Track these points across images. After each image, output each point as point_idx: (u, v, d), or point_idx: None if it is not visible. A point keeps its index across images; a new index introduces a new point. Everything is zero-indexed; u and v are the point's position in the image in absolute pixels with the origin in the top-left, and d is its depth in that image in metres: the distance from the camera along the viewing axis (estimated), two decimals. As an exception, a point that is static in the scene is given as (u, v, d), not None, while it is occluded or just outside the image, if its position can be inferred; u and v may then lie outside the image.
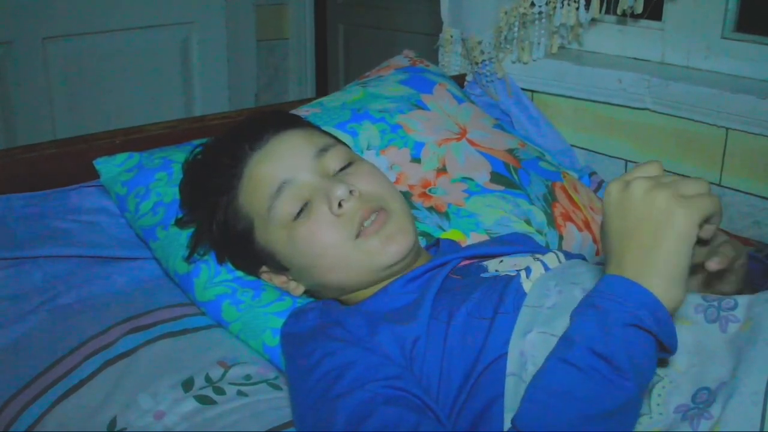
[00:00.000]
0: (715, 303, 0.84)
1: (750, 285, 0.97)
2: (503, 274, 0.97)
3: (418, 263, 1.02)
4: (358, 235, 0.96)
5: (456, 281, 0.98)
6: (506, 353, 0.83)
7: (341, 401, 0.81)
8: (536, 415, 0.71)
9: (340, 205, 0.95)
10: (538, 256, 0.99)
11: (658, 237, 0.71)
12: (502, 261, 1.02)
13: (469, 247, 1.18)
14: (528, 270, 0.93)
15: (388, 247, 0.96)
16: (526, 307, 0.87)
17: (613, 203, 0.75)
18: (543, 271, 0.93)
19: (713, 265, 0.82)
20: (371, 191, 0.99)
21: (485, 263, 1.02)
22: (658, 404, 0.78)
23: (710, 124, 1.55)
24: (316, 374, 0.85)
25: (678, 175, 1.62)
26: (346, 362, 0.85)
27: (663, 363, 0.79)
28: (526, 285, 0.90)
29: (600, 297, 0.73)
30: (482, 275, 0.99)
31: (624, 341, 0.70)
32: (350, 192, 0.96)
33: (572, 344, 0.72)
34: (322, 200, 0.96)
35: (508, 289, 0.90)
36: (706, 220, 0.74)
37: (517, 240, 1.19)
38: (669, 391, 0.78)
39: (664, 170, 0.78)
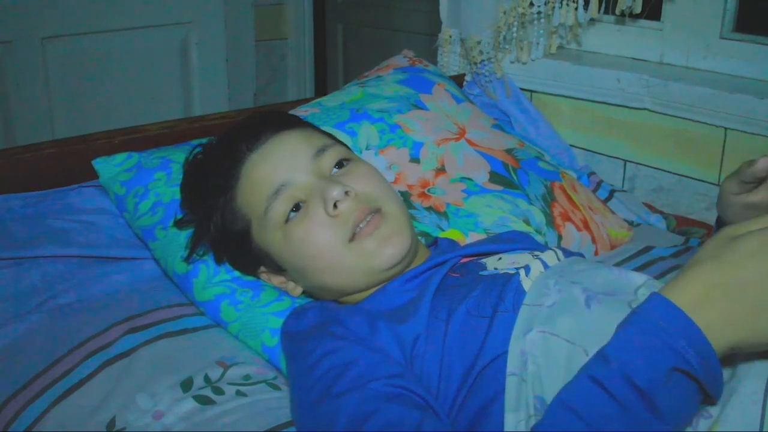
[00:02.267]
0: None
1: None
2: (502, 272, 0.97)
3: (418, 261, 1.02)
4: (353, 237, 0.95)
5: (455, 279, 0.98)
6: (506, 352, 0.83)
7: (343, 399, 0.81)
8: (549, 429, 0.69)
9: (335, 206, 0.95)
10: (537, 253, 0.99)
11: (756, 307, 0.66)
12: (500, 258, 1.02)
13: (467, 245, 1.18)
14: (527, 268, 0.93)
15: (383, 249, 0.95)
16: (526, 306, 0.86)
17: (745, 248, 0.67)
18: (542, 269, 0.93)
19: None
20: (367, 192, 0.98)
21: (484, 261, 1.02)
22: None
23: (709, 124, 1.55)
24: (317, 372, 0.85)
25: (677, 175, 1.63)
26: (348, 361, 0.85)
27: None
28: (526, 283, 0.90)
29: (654, 325, 0.67)
30: (481, 273, 0.98)
31: (668, 382, 0.66)
32: (346, 193, 0.95)
33: (610, 366, 0.68)
34: (317, 201, 0.96)
35: (508, 287, 0.90)
36: None
37: (515, 238, 1.19)
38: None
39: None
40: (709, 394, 0.68)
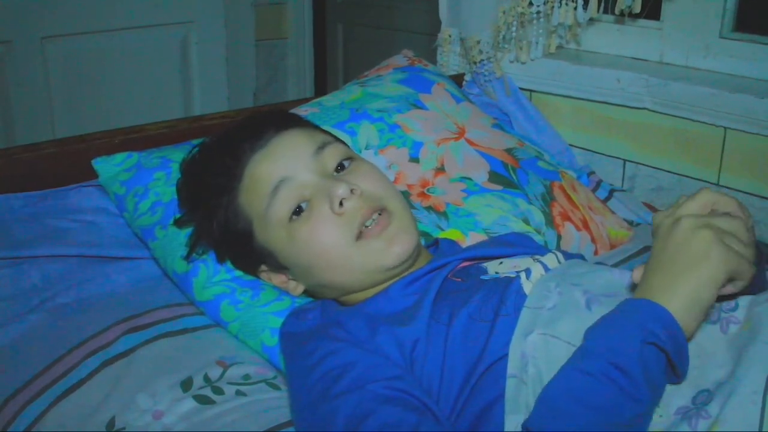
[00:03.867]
0: (716, 304, 0.84)
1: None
2: (503, 276, 0.97)
3: (418, 264, 1.02)
4: (359, 236, 0.95)
5: (456, 284, 0.98)
6: (507, 354, 0.83)
7: (341, 401, 0.81)
8: (550, 417, 0.72)
9: (341, 204, 0.95)
10: (537, 257, 0.99)
11: (690, 266, 0.74)
12: (501, 263, 1.02)
13: (468, 248, 1.18)
14: (528, 271, 0.93)
15: (391, 248, 0.96)
16: (527, 309, 0.87)
17: (661, 237, 0.78)
18: (543, 272, 0.93)
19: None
20: (372, 190, 0.99)
21: (485, 265, 1.02)
22: (658, 406, 0.78)
23: (709, 124, 1.55)
24: (317, 373, 0.85)
25: (676, 175, 1.63)
26: (347, 362, 0.85)
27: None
28: (527, 286, 0.90)
29: (621, 314, 0.75)
30: (482, 277, 0.98)
31: (642, 356, 0.71)
32: (351, 191, 0.95)
33: (590, 355, 0.74)
34: (323, 199, 0.96)
35: (509, 290, 0.90)
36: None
37: (516, 240, 1.19)
38: (670, 393, 0.78)
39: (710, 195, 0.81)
40: (674, 366, 0.74)
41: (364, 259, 0.96)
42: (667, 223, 0.78)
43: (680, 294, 0.74)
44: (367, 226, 0.96)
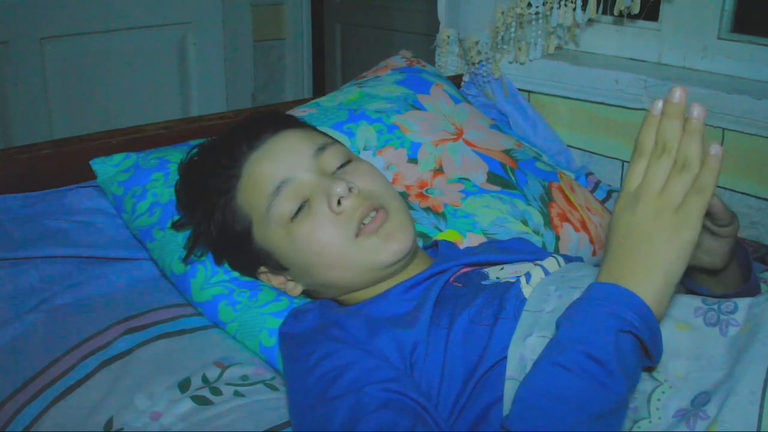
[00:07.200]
0: (715, 306, 0.84)
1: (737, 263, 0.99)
2: (504, 281, 0.97)
3: (418, 268, 1.02)
4: (357, 234, 0.96)
5: (457, 289, 0.98)
6: (506, 357, 0.83)
7: (338, 403, 0.81)
8: (529, 417, 0.71)
9: (339, 202, 0.95)
10: (538, 262, 0.99)
11: (658, 250, 0.74)
12: (503, 268, 1.02)
13: (469, 253, 1.18)
14: (528, 275, 0.93)
15: (388, 245, 0.96)
16: (527, 312, 0.87)
17: (621, 224, 0.77)
18: (543, 275, 0.94)
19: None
20: (370, 189, 0.99)
21: (486, 271, 1.02)
22: (657, 408, 0.78)
23: (707, 125, 1.54)
24: (315, 375, 0.86)
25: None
26: (345, 364, 0.85)
27: (655, 369, 0.80)
28: (526, 290, 0.91)
29: (592, 302, 0.75)
30: (483, 282, 0.99)
31: (616, 345, 0.71)
32: (349, 189, 0.96)
33: (564, 348, 0.73)
34: (321, 198, 0.96)
35: (509, 294, 0.90)
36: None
37: (517, 246, 1.19)
38: (669, 396, 0.78)
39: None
40: (649, 351, 0.74)
41: (361, 256, 0.96)
42: (626, 210, 0.78)
43: (653, 279, 0.73)
44: (365, 224, 0.96)
